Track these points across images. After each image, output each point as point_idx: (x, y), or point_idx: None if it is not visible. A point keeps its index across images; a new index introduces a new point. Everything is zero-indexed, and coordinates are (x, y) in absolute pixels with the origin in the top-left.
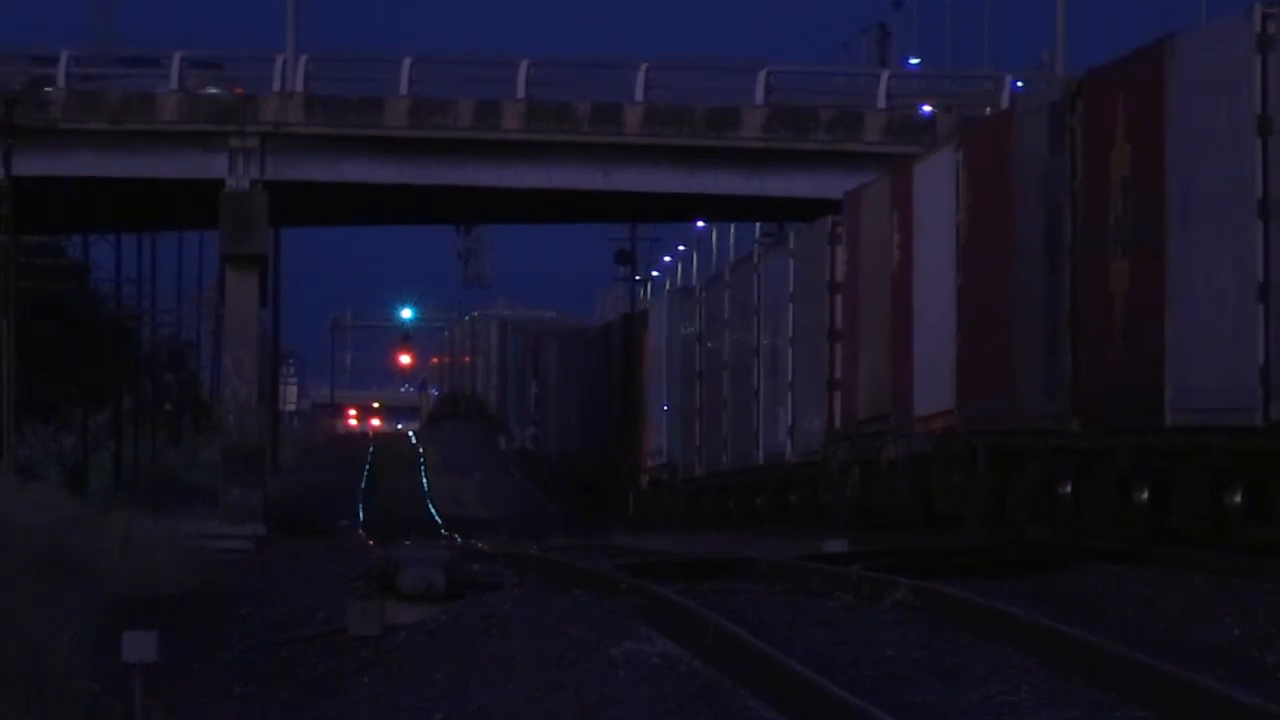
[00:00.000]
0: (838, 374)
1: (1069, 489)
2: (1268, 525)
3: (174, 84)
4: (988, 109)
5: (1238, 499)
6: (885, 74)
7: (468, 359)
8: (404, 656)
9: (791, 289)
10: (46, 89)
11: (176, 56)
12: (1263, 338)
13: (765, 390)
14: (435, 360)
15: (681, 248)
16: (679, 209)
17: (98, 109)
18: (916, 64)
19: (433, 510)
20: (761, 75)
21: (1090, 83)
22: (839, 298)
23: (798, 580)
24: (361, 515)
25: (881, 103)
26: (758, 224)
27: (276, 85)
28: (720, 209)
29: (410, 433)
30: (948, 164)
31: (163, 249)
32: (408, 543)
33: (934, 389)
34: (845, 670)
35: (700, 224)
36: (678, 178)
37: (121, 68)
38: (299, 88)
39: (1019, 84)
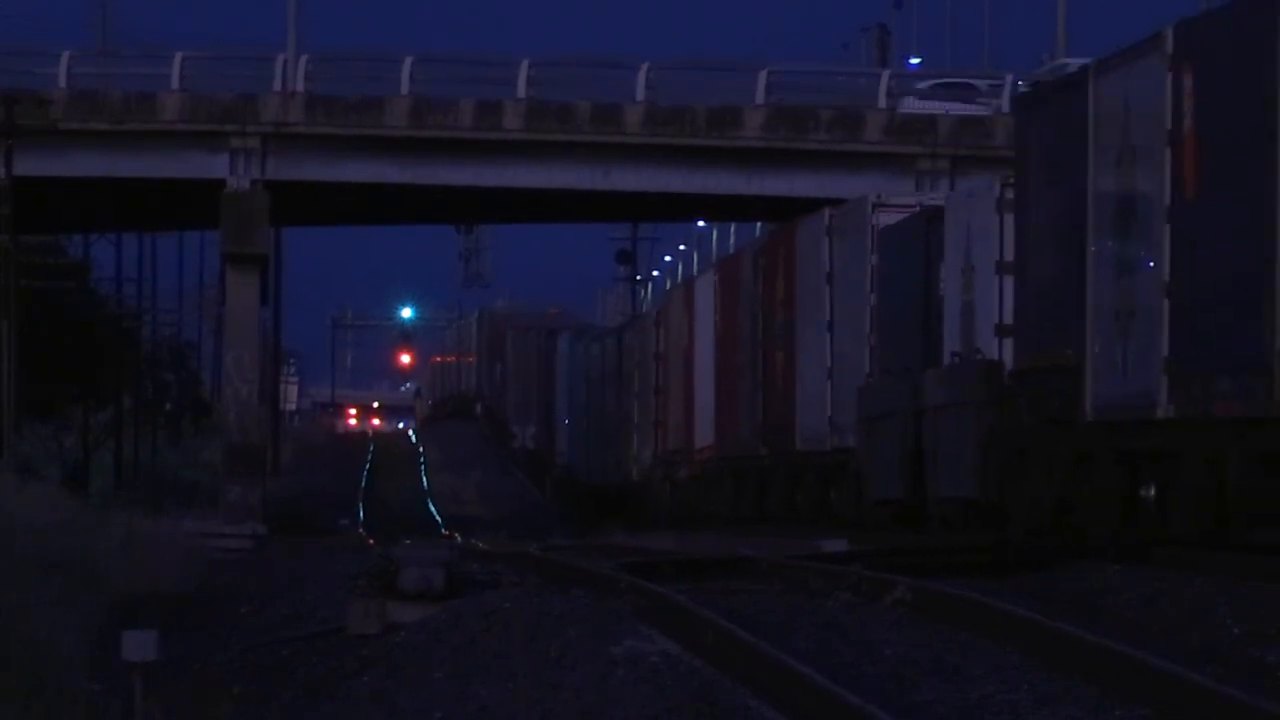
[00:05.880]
0: (659, 418)
1: (769, 495)
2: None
3: (175, 84)
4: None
5: (834, 492)
6: (886, 74)
7: (454, 358)
8: (404, 655)
9: (636, 358)
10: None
11: (177, 57)
12: (829, 400)
13: (622, 428)
14: (434, 360)
15: (682, 247)
16: (680, 209)
17: (99, 109)
18: (917, 64)
19: (433, 509)
20: (762, 75)
21: (770, 239)
22: (660, 364)
23: (797, 579)
24: (362, 514)
25: (882, 102)
26: (759, 224)
27: (277, 85)
28: (721, 209)
29: (410, 431)
30: (710, 281)
31: (163, 249)
32: (407, 542)
33: (705, 430)
34: (845, 669)
35: (701, 223)
36: (678, 178)
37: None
38: (300, 88)
39: (1019, 83)
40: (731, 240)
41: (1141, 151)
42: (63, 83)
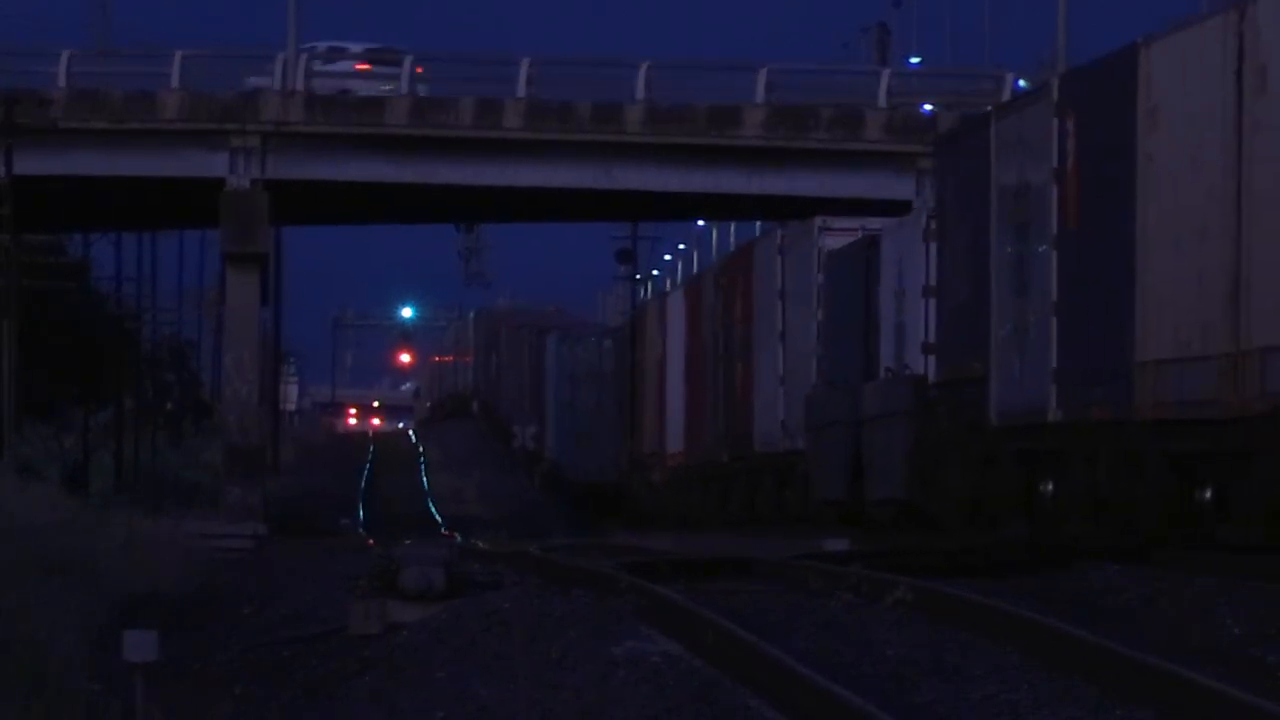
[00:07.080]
0: (635, 423)
1: (732, 497)
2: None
3: (175, 82)
4: (989, 107)
5: (788, 492)
6: (886, 73)
7: (452, 358)
8: (405, 656)
9: (616, 364)
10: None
11: (177, 55)
12: (782, 405)
13: (604, 429)
14: (433, 359)
15: (683, 246)
16: (680, 208)
17: (99, 108)
18: (917, 63)
19: (433, 509)
20: (762, 74)
21: (730, 259)
22: (636, 374)
23: (798, 580)
24: (362, 514)
25: (882, 101)
26: (758, 223)
27: (277, 84)
28: (721, 208)
29: (410, 431)
30: (680, 299)
31: (163, 248)
32: (408, 542)
33: (676, 437)
34: (846, 669)
35: (701, 223)
36: (678, 177)
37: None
38: (300, 86)
39: (1020, 82)
40: (731, 239)
41: (1034, 186)
42: (62, 82)
